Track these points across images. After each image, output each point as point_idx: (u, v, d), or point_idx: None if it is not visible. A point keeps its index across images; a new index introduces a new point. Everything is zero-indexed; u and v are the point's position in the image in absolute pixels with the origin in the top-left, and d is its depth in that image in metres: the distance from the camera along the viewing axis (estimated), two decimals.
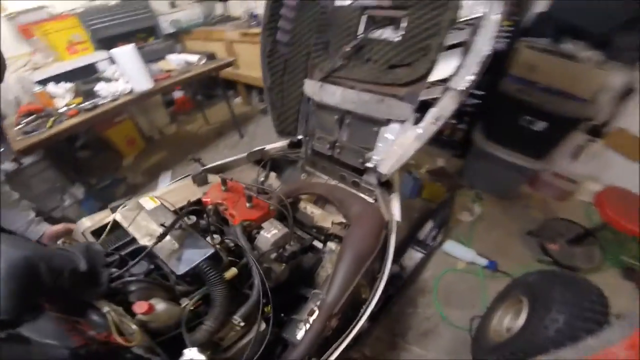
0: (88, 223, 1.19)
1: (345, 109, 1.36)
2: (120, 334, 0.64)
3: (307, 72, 1.51)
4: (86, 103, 2.07)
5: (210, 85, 3.87)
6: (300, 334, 0.94)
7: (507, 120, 1.93)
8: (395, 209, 1.25)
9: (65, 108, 2.05)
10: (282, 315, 1.03)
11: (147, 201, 1.12)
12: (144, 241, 0.92)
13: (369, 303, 1.00)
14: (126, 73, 2.22)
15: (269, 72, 1.56)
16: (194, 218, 1.20)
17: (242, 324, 0.82)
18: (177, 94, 3.78)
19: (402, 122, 1.22)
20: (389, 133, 1.28)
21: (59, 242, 0.92)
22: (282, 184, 1.66)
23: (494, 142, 2.03)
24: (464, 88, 0.98)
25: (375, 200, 1.38)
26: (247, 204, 1.17)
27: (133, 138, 3.17)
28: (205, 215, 1.19)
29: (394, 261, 1.19)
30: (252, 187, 1.38)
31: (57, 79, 2.35)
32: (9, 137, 1.87)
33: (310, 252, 1.30)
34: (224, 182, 1.28)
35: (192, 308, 0.80)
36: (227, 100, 3.04)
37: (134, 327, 0.65)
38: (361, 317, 0.96)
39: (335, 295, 0.96)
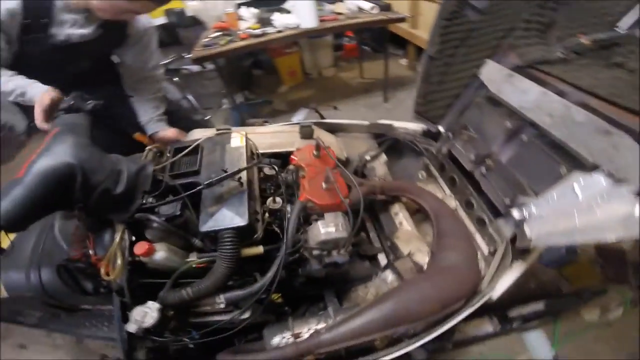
0: (198, 135, 1.27)
1: (532, 120, 0.90)
2: (109, 264, 0.61)
3: (493, 52, 1.13)
4: (257, 30, 2.24)
5: (381, 38, 3.55)
6: (275, 342, 0.79)
7: None
8: (503, 283, 0.79)
9: (243, 30, 2.27)
10: (287, 308, 0.90)
11: (236, 137, 1.06)
12: (203, 178, 0.86)
13: None
14: (297, 8, 2.26)
15: (440, 37, 1.22)
16: (275, 168, 1.10)
17: (223, 305, 0.72)
18: (347, 40, 3.66)
19: (616, 180, 0.67)
20: (580, 186, 0.74)
21: (148, 147, 0.95)
22: (390, 173, 1.37)
23: None
24: None
25: (492, 254, 0.91)
26: (323, 184, 0.95)
27: (295, 70, 3.36)
28: (285, 172, 1.08)
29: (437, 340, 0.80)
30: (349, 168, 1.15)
31: (254, 4, 2.58)
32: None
33: (368, 262, 1.07)
34: (317, 147, 1.09)
35: (194, 266, 0.71)
36: (387, 58, 2.71)
37: (118, 262, 0.60)
38: None
39: (333, 339, 0.72)
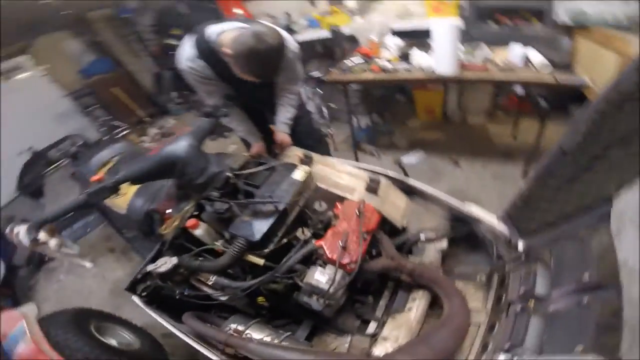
0: (291, 152, 1.78)
1: (620, 286, 0.79)
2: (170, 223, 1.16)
3: None
4: (389, 64, 2.54)
5: (563, 95, 3.22)
6: (229, 327, 1.20)
7: None
8: None
9: (377, 62, 2.62)
10: (265, 312, 1.29)
11: (300, 171, 1.46)
12: (259, 193, 1.34)
13: None
14: (435, 48, 2.28)
15: (592, 126, 0.91)
16: (324, 206, 1.47)
17: (210, 282, 1.24)
18: (518, 89, 3.50)
19: None
20: None
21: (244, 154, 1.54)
22: (448, 257, 1.53)
23: None
24: None
25: None
26: (340, 243, 1.23)
27: (432, 108, 3.54)
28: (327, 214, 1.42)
29: None
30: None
31: (404, 34, 2.88)
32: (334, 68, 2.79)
33: (359, 322, 1.31)
34: (359, 209, 1.36)
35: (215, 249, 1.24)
36: (543, 122, 2.51)
37: (175, 224, 1.14)
38: None
39: (252, 351, 1.04)
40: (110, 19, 5.32)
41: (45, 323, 1.66)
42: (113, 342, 1.78)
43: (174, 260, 1.17)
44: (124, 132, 5.13)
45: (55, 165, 4.37)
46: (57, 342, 1.53)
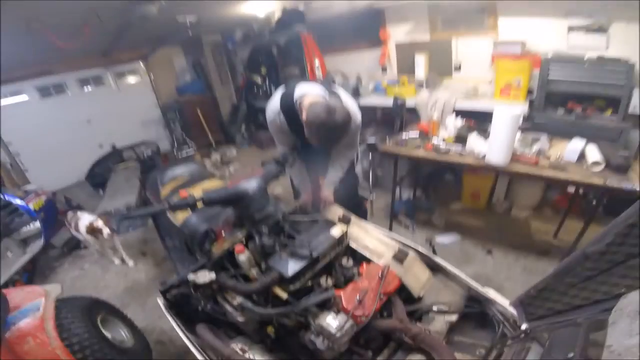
0: (331, 210, 2.06)
1: None
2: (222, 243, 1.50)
3: None
4: (442, 144, 2.70)
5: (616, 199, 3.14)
6: (235, 345, 1.42)
7: None
8: None
9: (437, 140, 2.78)
10: (269, 341, 1.50)
11: (338, 228, 1.70)
12: (298, 239, 1.61)
13: None
14: (492, 135, 2.31)
15: (624, 231, 1.02)
16: (351, 263, 1.70)
17: (235, 303, 1.47)
18: (570, 187, 3.45)
19: None
20: None
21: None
22: (453, 329, 1.60)
23: None
24: None
25: None
26: (357, 297, 1.44)
27: (479, 194, 3.62)
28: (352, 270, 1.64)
29: None
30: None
31: (467, 114, 3.02)
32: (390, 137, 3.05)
33: None
34: (382, 274, 1.56)
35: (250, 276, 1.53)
36: (587, 224, 2.47)
37: (225, 246, 1.47)
38: None
39: None
40: (217, 46, 6.16)
41: (61, 304, 1.84)
42: (108, 335, 1.96)
43: (212, 275, 1.45)
44: (191, 151, 5.80)
45: (124, 164, 5.05)
46: (62, 324, 1.72)
